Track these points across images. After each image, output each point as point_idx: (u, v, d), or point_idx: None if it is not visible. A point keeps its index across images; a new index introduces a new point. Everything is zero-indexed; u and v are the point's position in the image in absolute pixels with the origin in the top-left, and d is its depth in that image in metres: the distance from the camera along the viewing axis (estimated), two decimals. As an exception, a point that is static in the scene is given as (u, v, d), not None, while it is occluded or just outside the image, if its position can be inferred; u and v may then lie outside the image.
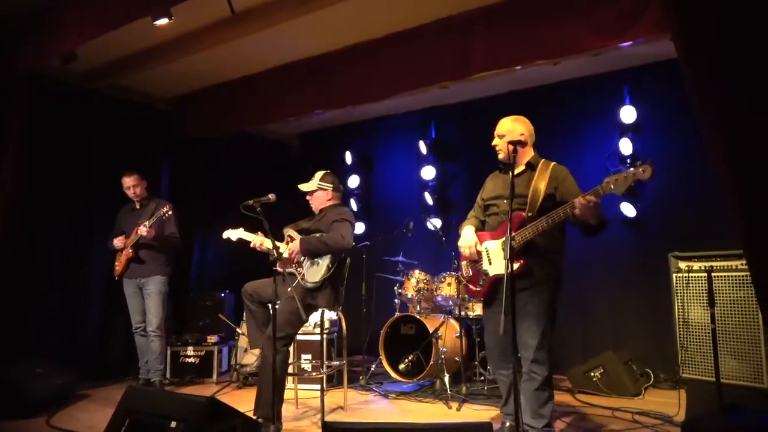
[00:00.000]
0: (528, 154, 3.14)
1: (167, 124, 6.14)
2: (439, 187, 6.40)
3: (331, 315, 4.81)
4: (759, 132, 1.95)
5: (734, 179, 1.98)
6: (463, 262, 3.27)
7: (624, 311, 5.14)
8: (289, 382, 4.18)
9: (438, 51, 4.45)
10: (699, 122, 2.33)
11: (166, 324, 4.76)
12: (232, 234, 3.82)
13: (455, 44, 4.36)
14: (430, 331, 4.64)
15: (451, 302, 4.94)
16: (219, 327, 5.58)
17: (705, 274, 3.21)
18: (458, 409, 4.07)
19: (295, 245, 3.60)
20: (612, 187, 2.61)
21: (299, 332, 3.94)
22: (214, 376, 5.24)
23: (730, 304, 3.20)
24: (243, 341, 5.11)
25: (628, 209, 5.13)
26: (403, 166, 6.74)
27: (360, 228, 6.79)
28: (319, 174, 3.88)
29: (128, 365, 5.14)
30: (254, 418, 3.34)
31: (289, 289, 3.44)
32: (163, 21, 3.89)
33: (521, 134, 3.10)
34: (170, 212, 4.39)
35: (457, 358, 4.75)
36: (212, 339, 5.35)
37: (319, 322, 4.16)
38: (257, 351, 4.90)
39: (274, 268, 3.32)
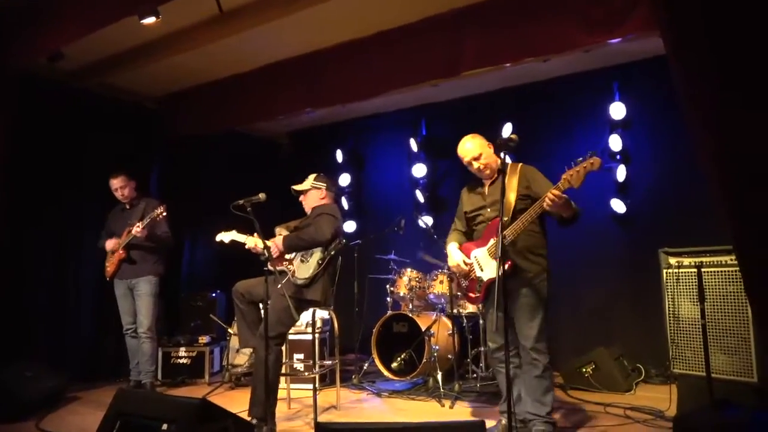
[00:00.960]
0: (495, 161, 3.30)
1: (156, 123, 6.09)
2: (431, 184, 6.40)
3: (323, 314, 4.80)
4: (748, 128, 1.95)
5: (723, 177, 1.98)
6: (457, 276, 3.44)
7: (615, 307, 5.17)
8: (282, 382, 4.16)
9: (428, 49, 4.44)
10: (687, 119, 2.34)
11: (158, 325, 4.72)
12: (225, 236, 3.81)
13: (445, 42, 4.35)
14: (423, 329, 4.64)
15: (443, 300, 4.94)
16: (211, 327, 5.55)
17: (695, 270, 3.23)
18: (451, 407, 4.08)
19: (278, 240, 3.62)
20: (570, 183, 2.80)
21: (291, 332, 3.93)
22: (206, 377, 5.22)
23: (720, 299, 3.24)
24: (235, 341, 5.08)
25: (618, 205, 5.15)
26: (394, 163, 6.73)
27: (351, 226, 6.78)
28: (313, 175, 3.91)
29: (119, 367, 5.10)
30: (248, 418, 3.32)
31: (279, 285, 3.42)
32: (150, 20, 3.86)
33: (489, 145, 3.28)
34: (164, 213, 4.35)
35: (449, 356, 4.76)
36: (204, 339, 5.32)
37: (310, 322, 4.15)
38: (248, 351, 4.89)
39: (265, 267, 3.31)
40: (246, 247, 3.73)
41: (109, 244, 4.62)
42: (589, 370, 4.45)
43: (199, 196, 6.22)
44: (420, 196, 6.36)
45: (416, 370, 4.64)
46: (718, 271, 3.25)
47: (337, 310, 4.15)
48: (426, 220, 5.90)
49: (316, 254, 3.61)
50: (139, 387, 4.61)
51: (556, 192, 2.83)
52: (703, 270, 3.21)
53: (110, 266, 4.63)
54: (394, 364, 4.77)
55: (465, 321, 4.88)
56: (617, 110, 5.20)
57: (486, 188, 3.32)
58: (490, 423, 3.22)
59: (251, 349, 4.40)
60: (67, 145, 5.25)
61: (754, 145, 1.92)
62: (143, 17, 3.83)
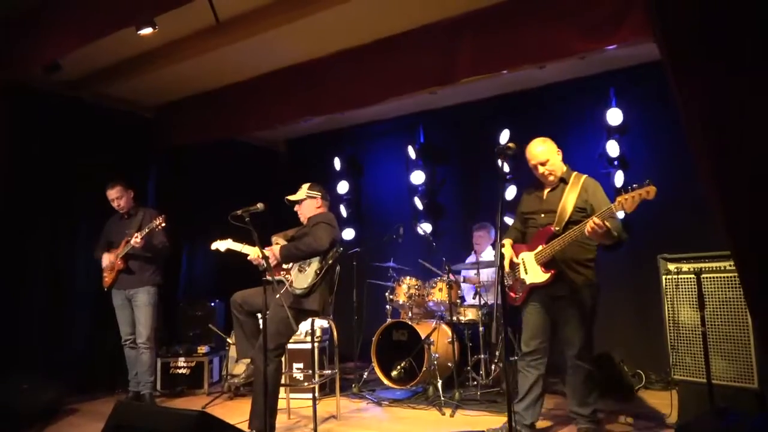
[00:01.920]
0: (561, 169, 3.33)
1: (153, 132, 6.09)
2: (429, 191, 6.40)
3: (322, 323, 4.78)
4: (746, 132, 1.95)
5: (722, 182, 1.98)
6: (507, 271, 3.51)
7: (614, 312, 5.14)
8: (281, 392, 4.14)
9: (425, 56, 4.45)
10: (685, 126, 2.34)
11: (156, 335, 4.70)
12: (221, 245, 3.80)
13: (442, 50, 4.36)
14: (422, 337, 4.62)
15: (442, 307, 4.93)
16: (210, 337, 5.52)
17: (694, 276, 3.22)
18: (452, 416, 4.06)
19: (276, 249, 3.61)
20: (623, 207, 2.89)
21: (290, 341, 3.91)
22: (206, 387, 5.19)
23: (719, 304, 3.22)
24: (234, 351, 5.05)
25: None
26: (392, 171, 6.73)
27: (350, 234, 6.77)
28: (306, 185, 3.89)
29: (117, 378, 5.05)
30: (248, 431, 3.30)
31: (278, 296, 3.41)
32: (147, 30, 3.86)
33: (558, 152, 3.33)
34: (163, 224, 4.33)
35: (449, 364, 4.74)
36: (203, 349, 5.29)
37: (310, 331, 4.13)
38: (247, 361, 4.85)
39: (264, 278, 3.30)
40: (248, 258, 3.71)
41: (105, 259, 4.59)
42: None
43: (197, 204, 6.21)
44: (418, 203, 6.35)
45: (416, 378, 4.62)
46: (717, 277, 3.24)
47: (336, 318, 4.13)
48: (425, 228, 5.90)
49: (314, 264, 3.60)
50: (138, 398, 4.59)
51: (598, 221, 2.89)
52: (702, 276, 3.19)
53: (108, 277, 4.61)
54: (394, 373, 4.75)
55: (465, 328, 4.85)
56: (614, 116, 5.20)
57: (545, 193, 3.36)
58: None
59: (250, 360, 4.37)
60: (62, 155, 5.22)
61: (753, 149, 1.91)
62: (140, 28, 3.83)
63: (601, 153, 5.26)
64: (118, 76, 5.12)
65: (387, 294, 5.15)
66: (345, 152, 7.03)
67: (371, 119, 6.65)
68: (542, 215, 3.30)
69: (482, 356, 4.74)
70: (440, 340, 4.75)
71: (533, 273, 3.26)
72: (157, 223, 4.31)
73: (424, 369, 4.59)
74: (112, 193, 4.63)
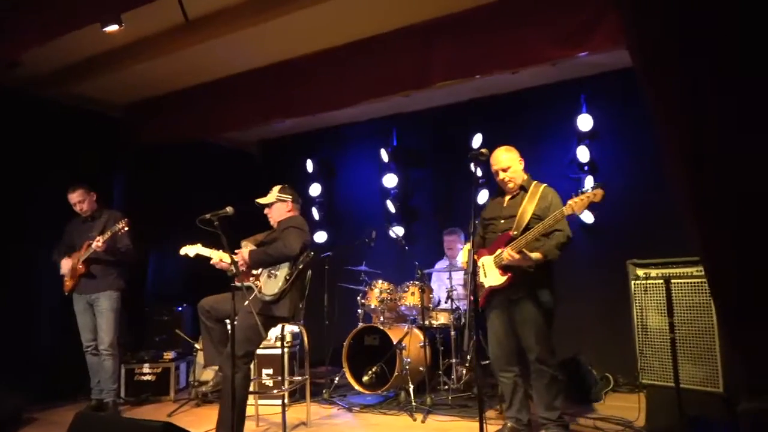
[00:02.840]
0: (521, 177, 3.46)
1: (121, 132, 5.93)
2: (402, 194, 6.38)
3: (293, 328, 4.71)
4: (723, 139, 1.95)
5: (698, 194, 1.98)
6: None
7: (583, 316, 5.19)
8: (250, 398, 4.06)
9: (399, 60, 4.44)
10: (659, 133, 2.35)
11: (120, 341, 4.56)
12: (190, 250, 3.71)
13: (416, 53, 4.35)
14: (394, 342, 4.59)
15: (414, 311, 4.91)
16: (177, 342, 5.39)
17: (662, 281, 3.27)
18: (423, 421, 4.03)
19: (244, 252, 3.53)
20: (573, 209, 3.08)
21: (260, 346, 3.83)
22: (172, 394, 5.05)
23: (686, 310, 3.27)
24: (201, 357, 4.92)
25: (586, 215, 5.21)
26: (365, 173, 6.69)
27: (322, 237, 6.71)
28: (277, 187, 3.82)
29: (81, 385, 4.87)
30: (214, 439, 3.22)
31: (246, 302, 3.33)
32: (113, 28, 3.74)
33: (520, 161, 3.45)
34: (126, 228, 4.20)
35: (421, 368, 4.72)
36: (169, 355, 5.16)
37: (279, 336, 4.07)
38: (215, 367, 4.75)
39: (233, 284, 3.22)
40: (211, 262, 3.63)
41: (65, 265, 4.43)
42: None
43: (165, 207, 6.04)
44: (391, 207, 6.32)
45: (388, 383, 4.58)
46: (684, 283, 3.29)
47: (306, 322, 4.07)
48: (397, 231, 5.87)
49: (284, 269, 3.53)
50: (101, 406, 4.45)
51: (512, 253, 3.14)
52: (671, 282, 3.23)
53: (69, 281, 4.45)
54: (366, 378, 4.70)
55: (437, 332, 4.84)
56: (584, 122, 5.27)
57: (506, 200, 3.49)
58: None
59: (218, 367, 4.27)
60: (24, 155, 5.03)
61: (730, 152, 1.91)
62: (105, 25, 3.71)
63: (572, 158, 5.33)
64: (83, 74, 4.96)
65: (359, 298, 5.10)
66: (318, 154, 6.97)
67: (344, 122, 6.60)
68: (502, 221, 3.42)
69: (453, 360, 4.73)
70: (412, 344, 4.73)
71: (492, 276, 3.35)
72: (120, 226, 4.18)
73: (396, 374, 4.55)
74: (74, 197, 4.47)
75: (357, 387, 4.74)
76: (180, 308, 5.66)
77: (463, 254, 3.58)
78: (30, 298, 5.05)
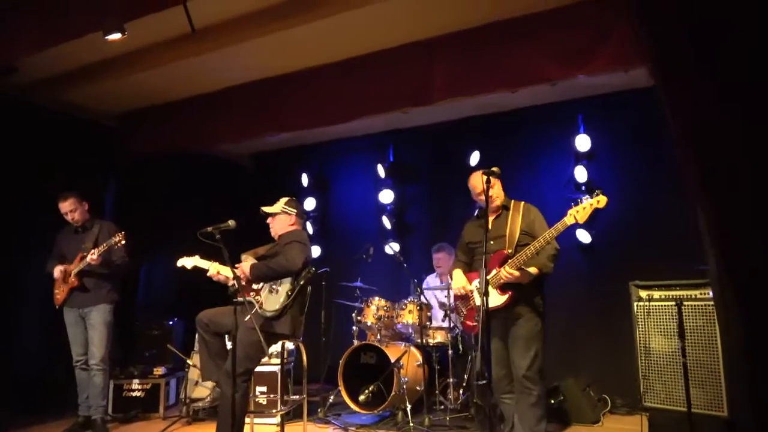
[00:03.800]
0: (501, 197, 3.43)
1: (114, 141, 5.84)
2: (398, 210, 6.35)
3: (288, 345, 4.62)
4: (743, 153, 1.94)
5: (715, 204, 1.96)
6: (457, 302, 3.55)
7: (580, 336, 5.19)
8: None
9: (400, 77, 4.44)
10: (677, 148, 2.34)
11: (111, 355, 4.43)
12: (187, 262, 3.63)
13: (417, 71, 4.35)
14: (391, 360, 4.52)
15: (411, 330, 4.85)
16: (167, 357, 5.25)
17: (667, 303, 3.27)
18: (421, 442, 3.97)
19: (245, 266, 3.47)
20: (576, 218, 3.03)
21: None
22: (161, 411, 4.91)
23: (691, 332, 3.26)
24: (193, 373, 4.81)
25: (583, 236, 5.22)
26: (360, 188, 6.65)
27: (316, 251, 6.64)
28: (284, 199, 3.77)
29: (69, 400, 4.70)
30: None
31: (247, 318, 3.26)
32: (115, 36, 3.68)
33: (499, 181, 3.42)
34: (123, 242, 4.09)
35: (418, 387, 4.65)
36: (159, 371, 5.03)
37: (276, 353, 3.98)
38: (210, 384, 4.64)
39: (235, 299, 3.15)
40: (208, 274, 3.56)
41: (57, 271, 4.32)
42: (557, 400, 4.42)
43: (157, 218, 5.93)
44: (387, 222, 6.29)
45: (385, 402, 4.50)
46: (689, 305, 3.29)
47: (303, 339, 3.99)
48: (393, 247, 5.82)
49: (285, 285, 3.46)
50: (88, 423, 4.30)
51: (511, 270, 3.09)
52: (683, 304, 3.22)
53: (59, 294, 4.32)
54: (362, 397, 4.61)
55: (434, 351, 4.78)
56: (582, 142, 5.30)
57: (490, 222, 3.41)
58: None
59: (213, 383, 4.17)
60: (14, 163, 4.92)
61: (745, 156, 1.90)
62: (108, 33, 3.65)
63: (570, 178, 5.34)
64: (78, 82, 4.89)
65: (354, 315, 5.03)
66: (312, 168, 6.92)
67: (340, 136, 6.56)
68: (491, 242, 3.34)
69: (450, 380, 4.68)
70: (410, 363, 4.66)
71: (491, 297, 3.26)
72: (116, 240, 4.07)
73: (393, 393, 4.47)
74: (65, 206, 4.35)
75: (353, 406, 4.64)
76: (171, 322, 5.53)
77: (455, 278, 3.50)
78: (19, 311, 4.91)
